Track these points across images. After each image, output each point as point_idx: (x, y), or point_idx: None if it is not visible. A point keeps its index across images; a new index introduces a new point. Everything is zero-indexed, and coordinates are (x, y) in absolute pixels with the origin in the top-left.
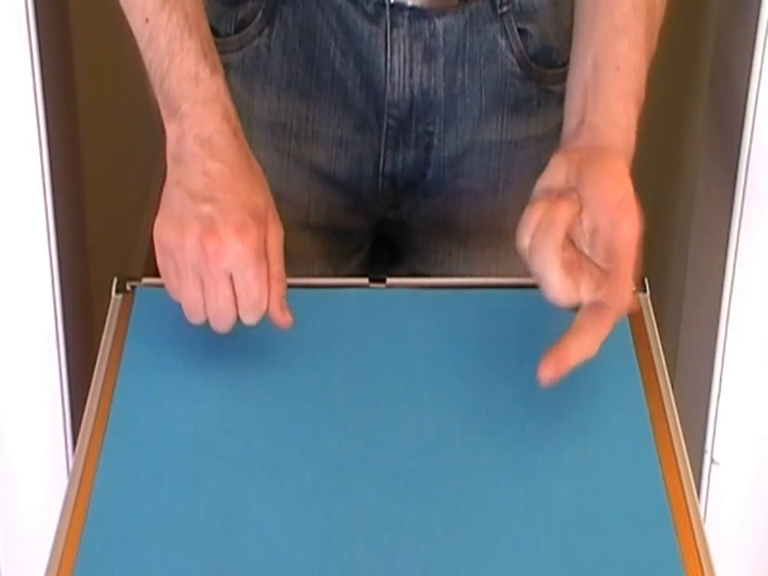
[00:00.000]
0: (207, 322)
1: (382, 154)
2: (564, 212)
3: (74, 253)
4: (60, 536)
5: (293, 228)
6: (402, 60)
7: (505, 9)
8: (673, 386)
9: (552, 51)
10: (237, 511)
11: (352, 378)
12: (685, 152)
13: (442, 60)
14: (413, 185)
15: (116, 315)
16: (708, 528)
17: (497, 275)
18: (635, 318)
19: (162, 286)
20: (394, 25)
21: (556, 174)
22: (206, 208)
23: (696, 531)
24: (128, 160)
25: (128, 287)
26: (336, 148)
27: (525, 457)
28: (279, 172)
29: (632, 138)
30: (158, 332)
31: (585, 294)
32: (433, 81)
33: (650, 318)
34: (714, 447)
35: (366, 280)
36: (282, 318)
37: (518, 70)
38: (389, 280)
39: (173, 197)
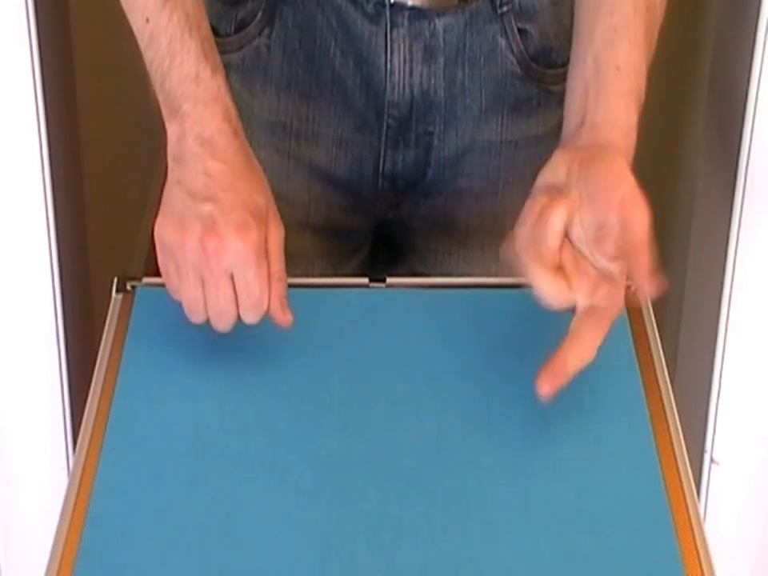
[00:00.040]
0: (208, 322)
1: (382, 153)
2: (557, 213)
3: (74, 253)
4: (60, 536)
5: (293, 228)
6: (401, 60)
7: (505, 9)
8: (673, 386)
9: (552, 51)
10: (237, 511)
11: (352, 377)
12: (685, 152)
13: (441, 60)
14: (413, 185)
15: (116, 315)
16: (708, 528)
17: (497, 275)
18: (635, 318)
19: (162, 285)
20: (394, 25)
21: (557, 170)
22: (207, 207)
23: (696, 531)
24: (128, 160)
25: (128, 287)
26: (336, 148)
27: (525, 457)
28: (279, 172)
29: (633, 137)
30: (158, 332)
31: (582, 296)
32: (433, 81)
33: (650, 318)
34: (714, 447)
35: (366, 280)
36: (283, 318)
37: (518, 70)
38: (389, 280)
39: (174, 196)
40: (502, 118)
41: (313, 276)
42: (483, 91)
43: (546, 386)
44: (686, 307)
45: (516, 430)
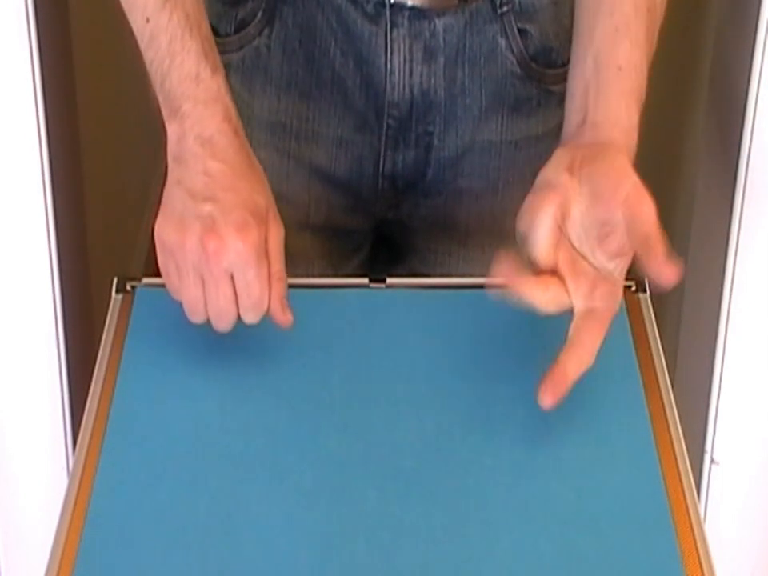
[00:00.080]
0: (208, 322)
1: (382, 153)
2: (544, 214)
3: (74, 253)
4: (60, 536)
5: (293, 228)
6: (402, 60)
7: (505, 9)
8: (673, 386)
9: (552, 51)
10: (237, 511)
11: (352, 378)
12: (685, 152)
13: (442, 60)
14: (413, 185)
15: (116, 315)
16: (708, 528)
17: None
18: (635, 317)
19: (162, 285)
20: (394, 25)
21: (558, 168)
22: (207, 207)
23: (696, 531)
24: (128, 160)
25: (128, 287)
26: (336, 148)
27: (525, 457)
28: (279, 172)
29: (634, 137)
30: (158, 332)
31: (580, 298)
32: (433, 81)
33: (650, 318)
34: (714, 447)
35: (366, 280)
36: (283, 317)
37: (518, 70)
38: (389, 280)
39: (174, 196)
40: (502, 117)
41: (313, 276)
42: (483, 91)
43: (548, 398)
44: (686, 307)
45: (516, 430)
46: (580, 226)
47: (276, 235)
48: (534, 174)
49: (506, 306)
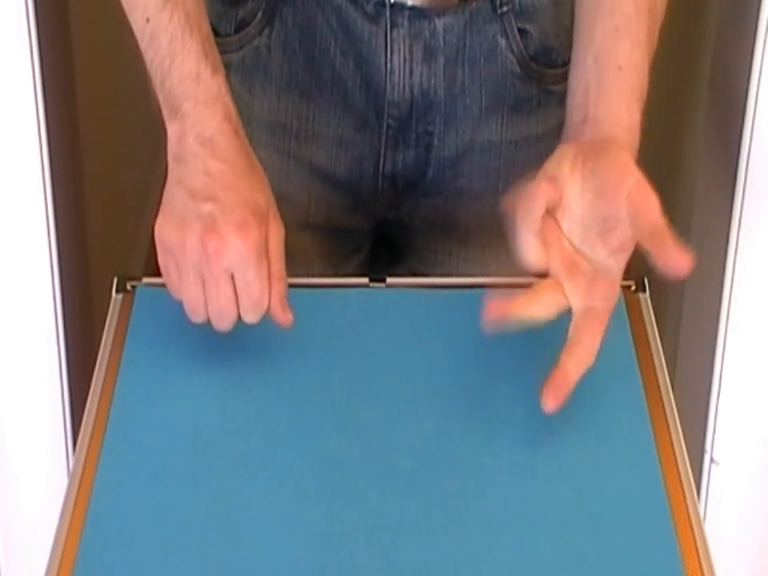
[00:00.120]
0: (208, 321)
1: (382, 153)
2: (541, 191)
3: (74, 253)
4: (60, 536)
5: (293, 228)
6: (401, 60)
7: (505, 9)
8: (673, 386)
9: (552, 51)
10: (237, 511)
11: (352, 378)
12: (685, 152)
13: (441, 60)
14: (413, 185)
15: (116, 315)
16: (708, 528)
17: (497, 275)
18: (635, 317)
19: (162, 285)
20: (394, 25)
21: (561, 162)
22: (207, 207)
23: (696, 531)
24: (128, 160)
25: (128, 287)
26: (336, 148)
27: (525, 457)
28: (279, 172)
29: (636, 135)
30: (158, 332)
31: (578, 297)
32: (433, 81)
33: (650, 318)
34: (714, 447)
35: (366, 280)
36: (283, 317)
37: (518, 70)
38: (389, 280)
39: (174, 196)
40: (502, 117)
41: (313, 276)
42: (483, 91)
43: (551, 402)
44: (686, 307)
45: (516, 430)
46: (581, 223)
47: (276, 235)
48: (534, 174)
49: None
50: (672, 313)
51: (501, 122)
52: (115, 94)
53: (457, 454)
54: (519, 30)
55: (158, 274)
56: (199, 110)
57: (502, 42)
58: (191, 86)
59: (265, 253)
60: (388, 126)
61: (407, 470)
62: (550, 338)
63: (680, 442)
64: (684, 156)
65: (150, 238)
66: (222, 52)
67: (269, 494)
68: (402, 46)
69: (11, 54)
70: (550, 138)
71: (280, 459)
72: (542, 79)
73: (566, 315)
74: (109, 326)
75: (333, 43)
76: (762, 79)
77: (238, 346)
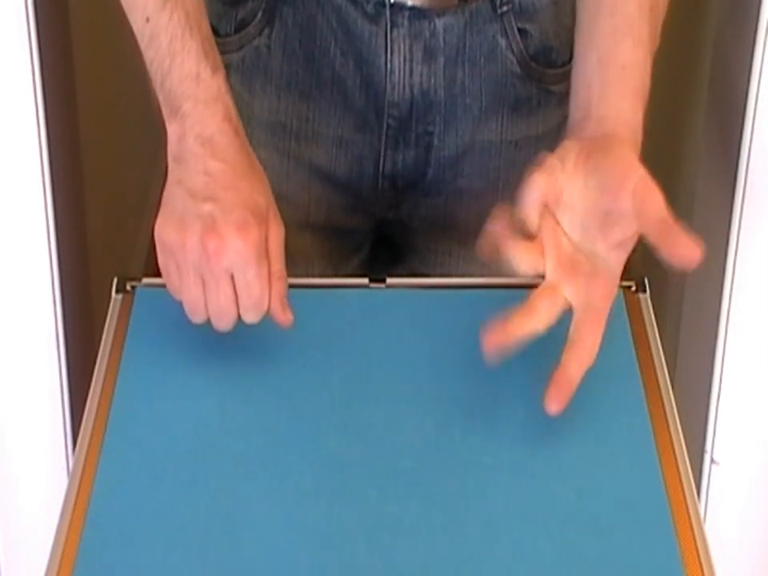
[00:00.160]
0: (208, 321)
1: (382, 153)
2: (535, 181)
3: (74, 253)
4: (60, 536)
5: (293, 228)
6: (401, 60)
7: (505, 9)
8: (673, 386)
9: (552, 51)
10: (237, 511)
11: (352, 378)
12: (685, 152)
13: (441, 60)
14: (413, 185)
15: (116, 315)
16: (708, 528)
17: (497, 275)
18: (635, 317)
19: (162, 285)
20: (394, 25)
21: (565, 158)
22: (207, 207)
23: (696, 531)
24: (128, 160)
25: (128, 287)
26: (336, 148)
27: (525, 457)
28: (279, 172)
29: (639, 133)
30: (158, 332)
31: (578, 297)
32: (433, 81)
33: (650, 318)
34: (714, 447)
35: (366, 280)
36: (284, 317)
37: (518, 70)
38: (389, 280)
39: (174, 196)
40: (502, 117)
41: (313, 276)
42: (483, 91)
43: (554, 404)
44: (686, 307)
45: (516, 430)
46: (583, 218)
47: (276, 235)
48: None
49: (505, 306)
50: (672, 313)
51: (501, 121)
52: (115, 94)
53: (457, 454)
54: (519, 29)
55: (157, 274)
56: (199, 110)
57: (502, 41)
58: (191, 86)
59: (265, 253)
60: (388, 125)
61: (407, 470)
62: (549, 338)
63: (680, 442)
64: (684, 156)
65: (150, 238)
66: (222, 52)
67: (269, 494)
68: (402, 45)
69: (11, 54)
70: (550, 138)
71: (280, 459)
72: (542, 79)
73: (566, 316)
74: (109, 326)
75: (333, 43)
76: (762, 79)
77: (237, 346)
